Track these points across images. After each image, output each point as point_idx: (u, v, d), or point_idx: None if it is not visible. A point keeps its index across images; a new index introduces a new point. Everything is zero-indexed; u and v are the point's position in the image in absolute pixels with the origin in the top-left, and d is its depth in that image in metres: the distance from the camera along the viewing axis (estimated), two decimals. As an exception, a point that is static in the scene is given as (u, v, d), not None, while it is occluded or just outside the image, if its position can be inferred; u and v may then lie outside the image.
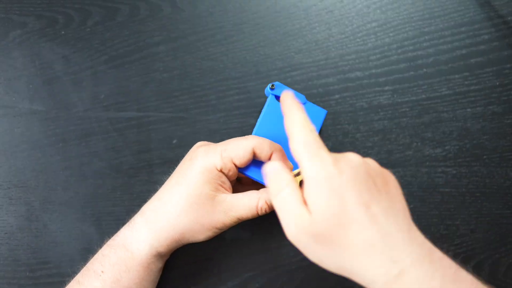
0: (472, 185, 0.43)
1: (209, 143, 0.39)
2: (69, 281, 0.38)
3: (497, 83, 0.44)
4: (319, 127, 0.42)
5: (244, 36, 0.46)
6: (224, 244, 0.44)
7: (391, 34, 0.45)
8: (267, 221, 0.44)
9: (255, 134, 0.40)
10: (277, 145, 0.36)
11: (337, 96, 0.45)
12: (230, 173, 0.36)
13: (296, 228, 0.28)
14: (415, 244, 0.27)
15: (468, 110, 0.44)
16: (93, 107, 0.46)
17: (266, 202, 0.35)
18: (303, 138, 0.28)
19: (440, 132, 0.44)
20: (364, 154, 0.44)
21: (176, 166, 0.45)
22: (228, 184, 0.36)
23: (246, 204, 0.35)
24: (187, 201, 0.34)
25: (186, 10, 0.47)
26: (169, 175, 0.45)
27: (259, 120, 0.41)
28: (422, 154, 0.44)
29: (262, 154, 0.35)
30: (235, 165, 0.35)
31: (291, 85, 0.45)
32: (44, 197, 0.45)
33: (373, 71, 0.45)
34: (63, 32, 0.47)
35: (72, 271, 0.41)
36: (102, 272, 0.35)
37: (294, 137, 0.29)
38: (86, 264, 0.38)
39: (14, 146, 0.46)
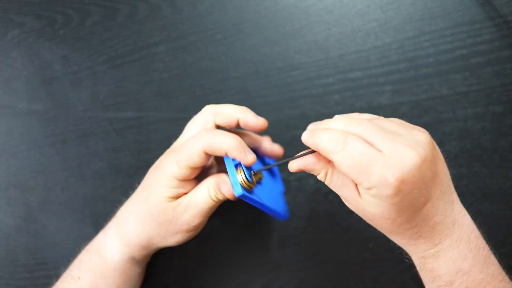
0: (472, 185, 0.43)
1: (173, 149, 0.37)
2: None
3: (498, 83, 0.44)
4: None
5: (244, 36, 0.46)
6: (224, 245, 0.44)
7: (391, 34, 0.45)
8: (267, 221, 0.44)
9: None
10: (232, 135, 0.34)
11: (337, 96, 0.45)
12: (193, 175, 0.35)
13: (397, 170, 0.26)
14: (456, 224, 0.29)
15: (469, 110, 0.44)
16: (93, 107, 0.46)
17: (214, 188, 0.34)
18: (347, 153, 0.28)
19: (440, 132, 0.44)
20: (364, 154, 0.44)
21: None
22: (190, 186, 0.35)
23: (199, 197, 0.34)
24: (149, 209, 0.34)
25: (186, 10, 0.47)
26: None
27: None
28: (422, 154, 0.44)
29: (216, 153, 0.34)
30: (195, 168, 0.35)
31: (291, 85, 0.45)
32: (43, 198, 0.45)
33: (373, 71, 0.45)
34: (62, 32, 0.47)
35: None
36: (79, 278, 0.36)
37: (336, 161, 0.28)
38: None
39: (13, 146, 0.46)
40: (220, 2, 0.47)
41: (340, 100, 0.45)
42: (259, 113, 0.45)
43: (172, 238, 0.35)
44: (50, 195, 0.45)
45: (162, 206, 0.34)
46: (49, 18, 0.47)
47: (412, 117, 0.44)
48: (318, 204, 0.44)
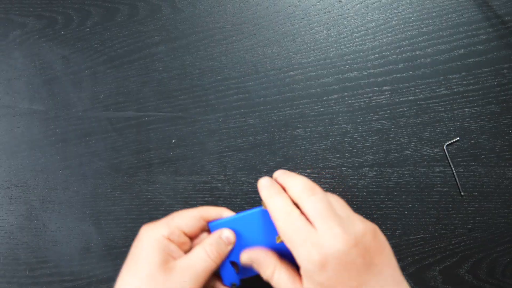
0: (470, 184, 0.44)
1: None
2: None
3: (495, 83, 0.44)
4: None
5: (243, 36, 0.47)
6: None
7: (389, 34, 0.46)
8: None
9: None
10: (223, 208, 0.37)
11: (335, 96, 0.45)
12: (181, 243, 0.34)
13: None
14: None
15: (466, 110, 0.44)
16: (93, 107, 0.46)
17: (211, 245, 0.34)
18: (287, 226, 0.30)
19: (438, 132, 0.44)
20: (363, 153, 0.44)
21: (176, 166, 0.45)
22: (179, 254, 0.34)
23: (195, 256, 0.33)
24: (140, 279, 0.31)
25: (186, 10, 0.47)
26: (169, 175, 0.45)
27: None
28: (420, 154, 0.44)
29: (211, 217, 0.36)
30: (186, 234, 0.35)
31: (290, 85, 0.45)
32: (43, 197, 0.45)
33: (372, 71, 0.45)
34: (62, 33, 0.47)
35: (71, 271, 0.41)
36: None
37: (278, 228, 0.30)
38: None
39: (14, 146, 0.46)
40: (220, 2, 0.47)
41: (339, 100, 0.45)
42: (258, 112, 0.45)
43: None
44: (50, 194, 0.45)
45: (154, 270, 0.31)
46: (50, 18, 0.48)
47: (410, 117, 0.44)
48: (317, 203, 0.44)
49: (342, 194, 0.44)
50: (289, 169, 0.44)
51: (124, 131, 0.46)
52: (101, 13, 0.47)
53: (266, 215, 0.35)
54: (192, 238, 0.36)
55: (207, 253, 0.33)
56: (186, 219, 0.35)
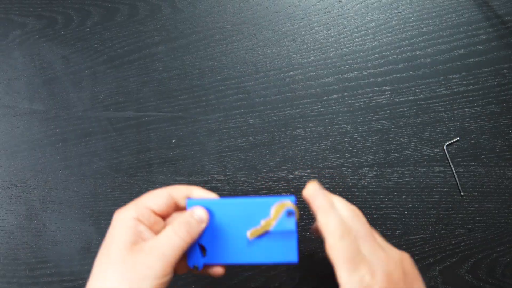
0: (470, 184, 0.44)
1: None
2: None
3: (495, 83, 0.44)
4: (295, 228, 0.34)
5: (243, 36, 0.47)
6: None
7: (389, 34, 0.46)
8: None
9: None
10: (193, 186, 0.35)
11: (335, 96, 0.45)
12: (152, 223, 0.33)
13: None
14: None
15: (466, 110, 0.44)
16: (93, 107, 0.46)
17: (180, 224, 0.33)
18: (342, 249, 0.30)
19: (438, 131, 0.44)
20: (363, 153, 0.44)
21: (176, 166, 0.45)
22: (148, 234, 0.33)
23: (164, 236, 0.32)
24: (111, 263, 0.31)
25: (186, 10, 0.47)
26: (169, 175, 0.45)
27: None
28: (420, 154, 0.44)
29: (179, 197, 0.34)
30: (155, 213, 0.34)
31: (290, 84, 0.45)
32: (43, 197, 0.45)
33: (372, 71, 0.45)
34: (62, 32, 0.47)
35: (71, 271, 0.41)
36: None
37: (331, 244, 0.30)
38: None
39: (14, 146, 0.46)
40: (220, 2, 0.47)
41: (339, 100, 0.45)
42: (258, 112, 0.45)
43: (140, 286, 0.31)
44: (50, 194, 0.45)
45: (122, 251, 0.31)
46: (50, 18, 0.48)
47: (410, 117, 0.44)
48: (317, 203, 0.44)
49: (342, 194, 0.44)
50: (289, 169, 0.44)
51: (124, 131, 0.46)
52: (101, 13, 0.47)
53: (253, 208, 0.34)
54: (164, 217, 0.35)
55: (176, 232, 0.32)
56: (154, 198, 0.34)
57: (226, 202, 0.34)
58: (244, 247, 0.34)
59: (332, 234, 0.30)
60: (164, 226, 0.35)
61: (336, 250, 0.30)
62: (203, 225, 0.34)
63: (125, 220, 0.32)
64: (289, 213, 0.33)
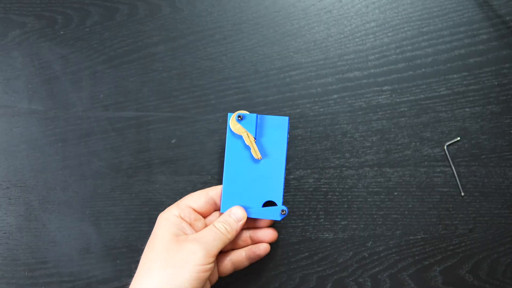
0: (470, 184, 0.44)
1: None
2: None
3: (496, 83, 0.44)
4: (286, 134, 0.39)
5: (243, 35, 0.46)
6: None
7: (389, 34, 0.45)
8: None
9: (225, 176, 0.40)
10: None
11: (335, 96, 0.45)
12: (193, 219, 0.37)
13: None
14: None
15: (467, 109, 0.44)
16: (92, 107, 0.46)
17: (218, 222, 0.37)
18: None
19: (438, 132, 0.44)
20: (363, 153, 0.44)
21: (175, 166, 0.45)
22: (190, 231, 0.37)
23: (207, 230, 0.36)
24: (155, 253, 0.34)
25: (185, 10, 0.47)
26: (168, 175, 0.45)
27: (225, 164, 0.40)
28: (420, 154, 0.44)
29: (217, 196, 0.39)
30: (196, 211, 0.38)
31: (290, 84, 0.45)
32: (43, 197, 0.45)
33: (372, 71, 0.45)
34: (62, 32, 0.47)
35: (70, 271, 0.41)
36: None
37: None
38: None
39: (13, 146, 0.46)
40: (220, 2, 0.47)
41: (339, 100, 0.45)
42: (258, 112, 0.45)
43: (183, 276, 0.33)
44: (50, 195, 0.45)
45: (167, 243, 0.34)
46: (49, 18, 0.48)
47: (411, 117, 0.44)
48: (317, 203, 0.44)
49: (342, 194, 0.44)
50: (289, 169, 0.44)
51: (124, 131, 0.46)
52: (100, 13, 0.47)
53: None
54: (204, 215, 0.39)
55: (219, 227, 0.36)
56: (193, 197, 0.38)
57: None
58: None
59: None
60: (204, 224, 0.39)
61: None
62: (241, 223, 0.38)
63: (169, 218, 0.36)
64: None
